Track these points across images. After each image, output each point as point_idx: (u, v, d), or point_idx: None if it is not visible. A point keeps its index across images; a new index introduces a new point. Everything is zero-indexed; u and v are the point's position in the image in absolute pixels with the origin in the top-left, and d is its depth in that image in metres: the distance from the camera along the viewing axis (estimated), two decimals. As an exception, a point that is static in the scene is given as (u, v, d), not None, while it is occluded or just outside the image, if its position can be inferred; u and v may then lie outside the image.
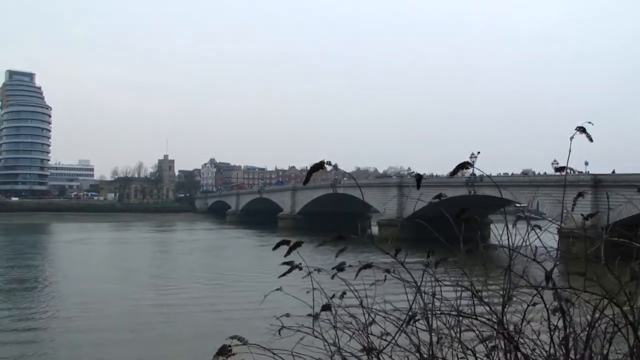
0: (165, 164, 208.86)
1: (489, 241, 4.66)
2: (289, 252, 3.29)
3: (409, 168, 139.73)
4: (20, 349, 23.83)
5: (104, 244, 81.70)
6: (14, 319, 29.43)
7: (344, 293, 3.59)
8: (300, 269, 3.42)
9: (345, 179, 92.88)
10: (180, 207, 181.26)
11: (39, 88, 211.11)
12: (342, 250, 3.43)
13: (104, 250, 71.94)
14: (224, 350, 2.98)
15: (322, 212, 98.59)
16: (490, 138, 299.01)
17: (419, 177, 3.49)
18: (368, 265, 3.39)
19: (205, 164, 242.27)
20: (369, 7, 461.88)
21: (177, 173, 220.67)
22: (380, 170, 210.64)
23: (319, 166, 3.14)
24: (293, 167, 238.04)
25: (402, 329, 3.27)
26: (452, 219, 3.38)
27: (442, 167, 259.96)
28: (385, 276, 3.49)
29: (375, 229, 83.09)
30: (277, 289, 3.73)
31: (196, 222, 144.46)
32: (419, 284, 3.29)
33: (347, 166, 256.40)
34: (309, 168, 3.32)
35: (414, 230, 53.56)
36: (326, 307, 3.43)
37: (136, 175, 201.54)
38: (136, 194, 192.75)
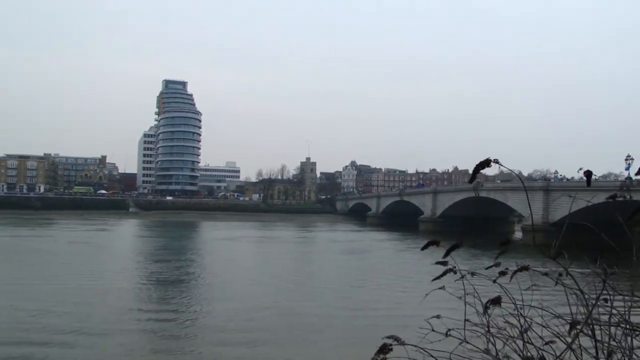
0: (307, 166, 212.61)
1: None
2: (447, 254, 3.20)
3: (556, 171, 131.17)
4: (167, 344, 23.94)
5: (253, 242, 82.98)
6: (162, 317, 29.74)
7: (499, 297, 3.24)
8: (455, 272, 3.27)
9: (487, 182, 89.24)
10: (322, 209, 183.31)
11: (191, 95, 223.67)
12: (502, 253, 3.35)
13: (253, 250, 72.86)
14: (385, 349, 2.90)
15: (464, 215, 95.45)
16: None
17: (588, 174, 3.27)
18: (524, 268, 3.19)
19: (346, 166, 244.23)
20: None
21: (318, 175, 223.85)
22: (525, 174, 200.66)
23: (485, 164, 2.91)
24: (434, 169, 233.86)
25: (561, 338, 3.06)
26: (624, 223, 2.96)
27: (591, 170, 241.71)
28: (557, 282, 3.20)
29: (519, 234, 78.72)
30: (440, 288, 3.46)
31: (337, 223, 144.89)
32: (582, 290, 3.07)
33: (488, 169, 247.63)
34: (475, 165, 2.92)
35: (562, 236, 49.30)
36: (492, 304, 3.21)
37: (279, 177, 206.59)
38: (279, 195, 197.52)
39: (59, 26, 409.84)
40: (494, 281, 3.20)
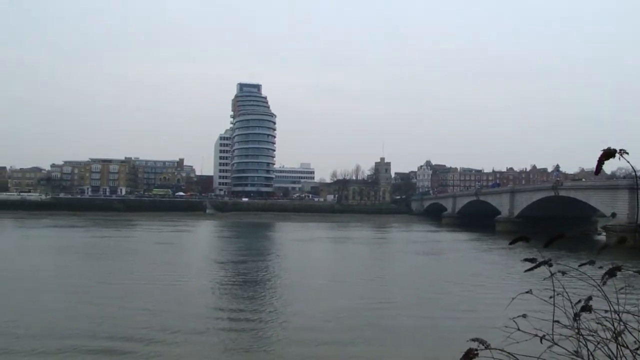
0: (382, 167, 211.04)
1: None
2: (548, 244, 3.16)
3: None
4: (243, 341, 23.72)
5: (329, 243, 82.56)
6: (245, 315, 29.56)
7: (590, 298, 3.21)
8: (551, 264, 3.26)
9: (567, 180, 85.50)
10: (397, 209, 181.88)
11: (265, 98, 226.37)
12: (601, 251, 3.34)
13: (330, 250, 72.29)
14: (470, 354, 2.88)
15: (543, 215, 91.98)
16: None
17: None
18: (617, 268, 3.12)
19: (421, 166, 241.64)
20: None
21: (393, 175, 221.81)
22: (608, 172, 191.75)
23: (609, 155, 2.77)
24: (511, 168, 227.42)
25: None
26: None
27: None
28: None
29: (602, 235, 74.98)
30: (527, 292, 3.51)
31: (412, 224, 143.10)
32: None
33: (569, 166, 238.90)
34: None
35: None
36: (585, 305, 3.16)
37: (354, 178, 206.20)
38: (354, 195, 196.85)
39: (136, 34, 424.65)
40: (604, 282, 3.07)
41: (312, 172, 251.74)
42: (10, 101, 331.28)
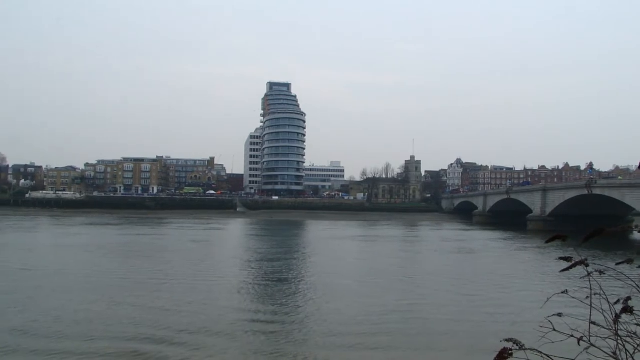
0: (412, 165, 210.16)
1: None
2: (587, 239, 3.10)
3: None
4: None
5: (360, 241, 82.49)
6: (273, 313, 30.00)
7: (629, 298, 3.16)
8: (587, 264, 3.14)
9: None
10: (427, 207, 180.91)
11: (295, 96, 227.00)
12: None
13: (361, 248, 72.23)
14: (504, 353, 2.87)
15: (575, 214, 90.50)
16: None
17: None
18: None
19: (451, 164, 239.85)
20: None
21: (423, 173, 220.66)
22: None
23: None
24: (543, 166, 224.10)
25: None
26: None
27: None
28: None
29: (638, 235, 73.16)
30: (563, 292, 3.48)
31: (443, 222, 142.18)
32: None
33: (604, 164, 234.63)
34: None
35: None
36: (626, 309, 3.10)
37: (384, 176, 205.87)
38: (384, 194, 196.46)
39: (169, 35, 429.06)
40: None
41: (342, 171, 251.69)
42: (46, 105, 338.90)
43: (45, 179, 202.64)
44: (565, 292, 3.36)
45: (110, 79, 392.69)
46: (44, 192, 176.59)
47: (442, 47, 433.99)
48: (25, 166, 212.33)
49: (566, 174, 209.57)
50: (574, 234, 3.05)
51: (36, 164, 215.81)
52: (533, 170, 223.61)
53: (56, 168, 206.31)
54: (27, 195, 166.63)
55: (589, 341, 3.00)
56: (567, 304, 3.86)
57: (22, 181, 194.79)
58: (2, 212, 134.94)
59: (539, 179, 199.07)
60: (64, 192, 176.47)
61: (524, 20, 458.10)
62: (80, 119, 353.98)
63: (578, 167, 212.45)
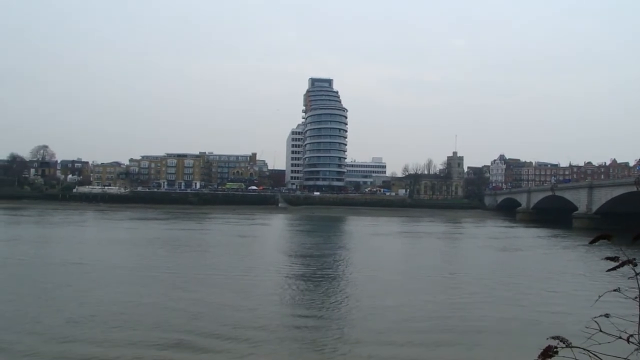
0: (454, 161, 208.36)
1: None
2: (636, 238, 3.09)
3: None
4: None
5: (402, 237, 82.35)
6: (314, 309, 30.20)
7: None
8: (635, 264, 3.06)
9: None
10: (469, 204, 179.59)
11: (336, 92, 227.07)
12: None
13: (403, 245, 72.22)
14: (549, 351, 2.85)
15: (623, 212, 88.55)
16: None
17: None
18: None
19: (494, 161, 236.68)
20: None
21: (465, 170, 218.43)
22: None
23: None
24: (589, 162, 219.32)
25: None
26: None
27: None
28: None
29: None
30: (615, 290, 3.35)
31: (485, 219, 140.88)
32: None
33: None
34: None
35: None
36: None
37: (426, 172, 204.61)
38: (426, 190, 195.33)
39: (212, 33, 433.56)
40: None
41: (384, 167, 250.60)
42: (92, 103, 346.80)
43: (91, 174, 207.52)
44: (617, 289, 3.28)
45: (156, 76, 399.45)
46: (90, 186, 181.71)
47: (486, 43, 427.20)
48: (73, 162, 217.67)
49: (613, 170, 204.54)
50: (621, 232, 3.09)
51: (83, 160, 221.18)
52: (579, 167, 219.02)
53: (102, 163, 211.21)
54: (75, 190, 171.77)
55: (638, 342, 2.96)
56: (614, 305, 3.88)
57: (70, 176, 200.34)
58: (52, 206, 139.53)
59: (585, 175, 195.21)
60: (110, 187, 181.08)
61: (571, 14, 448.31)
62: (125, 115, 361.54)
63: (626, 164, 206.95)
